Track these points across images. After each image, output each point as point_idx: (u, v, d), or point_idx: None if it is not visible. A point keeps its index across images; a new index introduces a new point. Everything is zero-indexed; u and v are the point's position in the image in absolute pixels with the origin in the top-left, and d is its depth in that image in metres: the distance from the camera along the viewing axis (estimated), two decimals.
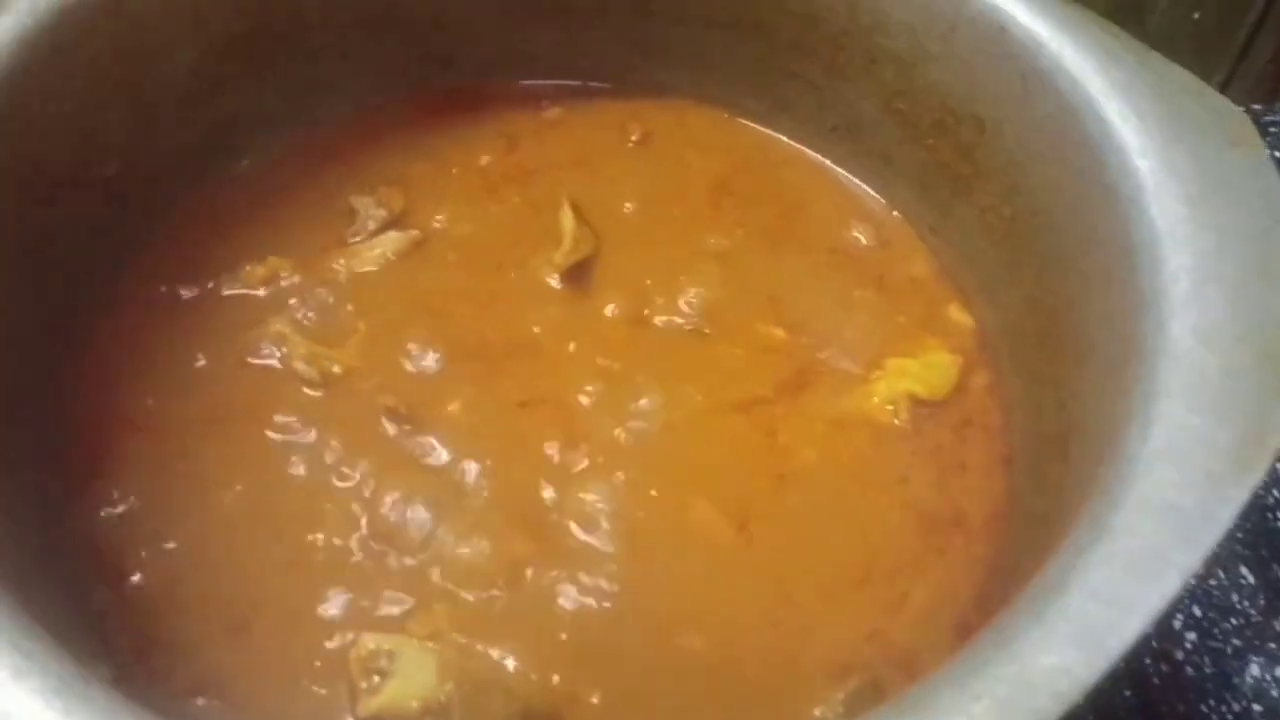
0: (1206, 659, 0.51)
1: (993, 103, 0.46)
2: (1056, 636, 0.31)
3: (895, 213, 0.54)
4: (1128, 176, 0.40)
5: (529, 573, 0.43)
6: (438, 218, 0.53)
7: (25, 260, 0.43)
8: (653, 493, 0.45)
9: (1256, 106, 0.68)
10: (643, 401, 0.48)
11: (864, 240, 0.54)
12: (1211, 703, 0.49)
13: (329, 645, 0.41)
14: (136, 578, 0.43)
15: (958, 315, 0.52)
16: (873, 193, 0.55)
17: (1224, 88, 0.91)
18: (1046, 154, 0.44)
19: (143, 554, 0.43)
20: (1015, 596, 0.37)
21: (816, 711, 0.41)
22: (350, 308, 0.50)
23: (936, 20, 0.47)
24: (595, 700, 0.41)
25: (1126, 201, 0.40)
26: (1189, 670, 0.50)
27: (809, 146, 0.56)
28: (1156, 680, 0.50)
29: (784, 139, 0.57)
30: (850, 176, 0.56)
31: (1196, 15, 0.89)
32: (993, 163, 0.48)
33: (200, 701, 0.39)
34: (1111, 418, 0.37)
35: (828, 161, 0.56)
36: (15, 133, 0.41)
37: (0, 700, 0.28)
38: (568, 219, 0.52)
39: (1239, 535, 0.54)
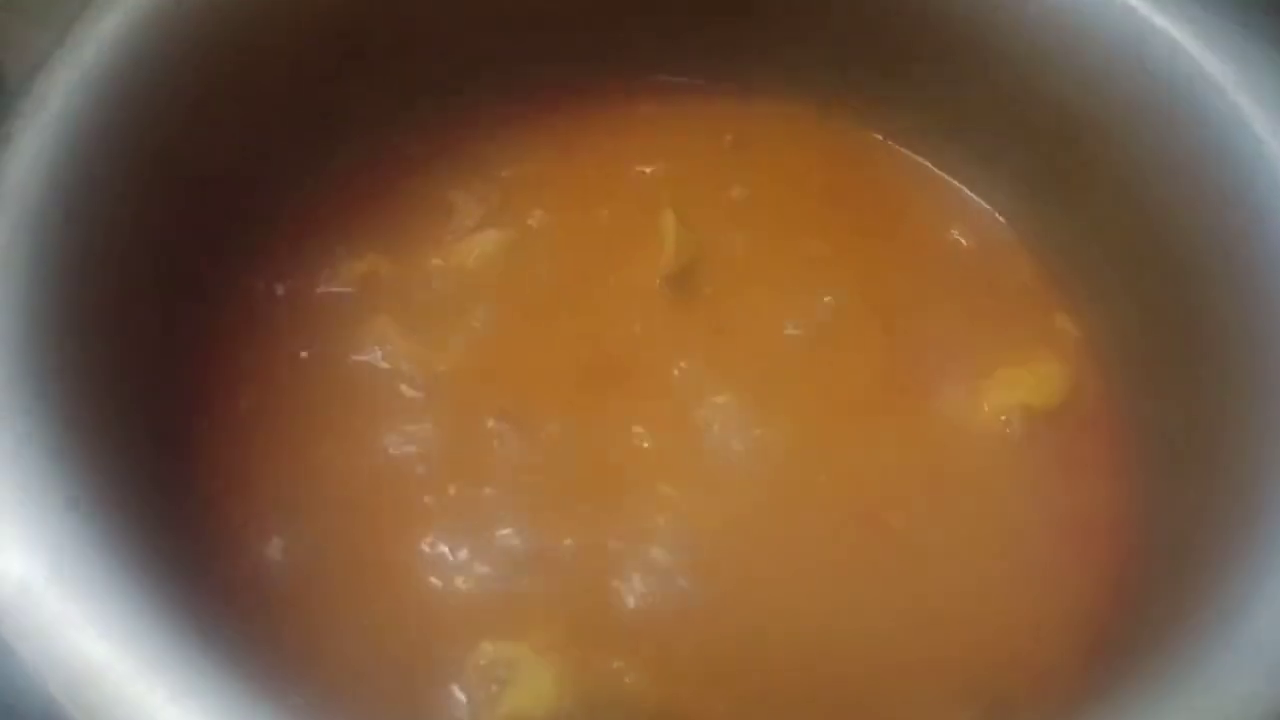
0: None
1: (1121, 110, 0.45)
2: (1245, 663, 0.30)
3: (1000, 218, 0.53)
4: (1270, 186, 0.39)
5: (648, 583, 0.42)
6: (535, 216, 0.52)
7: (133, 257, 0.41)
8: (770, 504, 0.44)
9: None
10: (751, 409, 0.47)
11: (966, 245, 0.53)
12: None
13: (447, 654, 0.40)
14: (243, 581, 0.42)
15: (1065, 324, 0.51)
16: (976, 197, 0.54)
17: None
18: (1181, 166, 0.43)
19: (249, 555, 0.42)
20: (1159, 618, 0.37)
21: None
22: (451, 306, 0.49)
23: (1064, 23, 0.46)
24: (719, 711, 0.40)
25: (1267, 212, 0.39)
26: None
27: (909, 148, 0.55)
28: None
29: (883, 140, 0.56)
30: (952, 180, 0.54)
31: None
32: (1114, 171, 0.46)
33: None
34: (1263, 437, 0.36)
35: (929, 164, 0.55)
36: (128, 131, 0.40)
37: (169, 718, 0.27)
38: (669, 223, 0.50)
39: None
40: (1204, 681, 0.29)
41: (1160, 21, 0.43)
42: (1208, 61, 0.42)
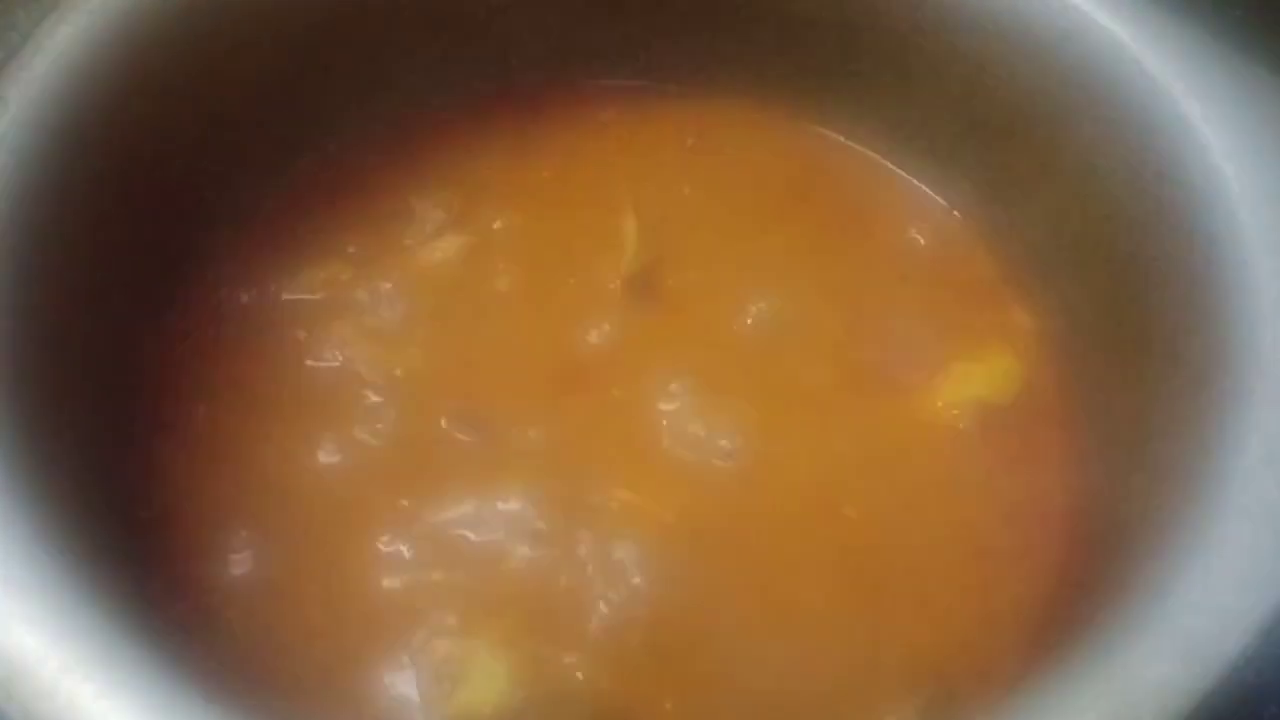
0: None
1: (1068, 105, 0.45)
2: (1161, 649, 0.30)
3: (956, 213, 0.54)
4: (1212, 181, 0.40)
5: (600, 577, 0.43)
6: (496, 221, 0.52)
7: (91, 268, 0.42)
8: (727, 499, 0.45)
9: None
10: (708, 408, 0.47)
11: (923, 241, 0.53)
12: None
13: (401, 651, 0.41)
14: (200, 583, 0.42)
15: (1021, 318, 0.51)
16: (933, 194, 0.54)
17: None
18: (1125, 157, 0.43)
19: (208, 558, 0.43)
20: (1096, 606, 0.37)
21: (889, 718, 0.41)
22: (411, 312, 0.49)
23: (1010, 21, 0.46)
24: (668, 706, 0.41)
25: (1211, 206, 0.39)
26: None
27: (869, 148, 0.56)
28: None
29: (843, 140, 0.56)
30: (910, 178, 0.55)
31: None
32: (1064, 165, 0.47)
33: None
34: (1202, 426, 0.37)
35: (888, 163, 0.55)
36: (85, 142, 0.41)
37: (98, 713, 0.28)
38: (630, 225, 0.51)
39: None
40: (1120, 666, 0.30)
41: (1102, 19, 0.44)
42: (1147, 58, 0.42)
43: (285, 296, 0.49)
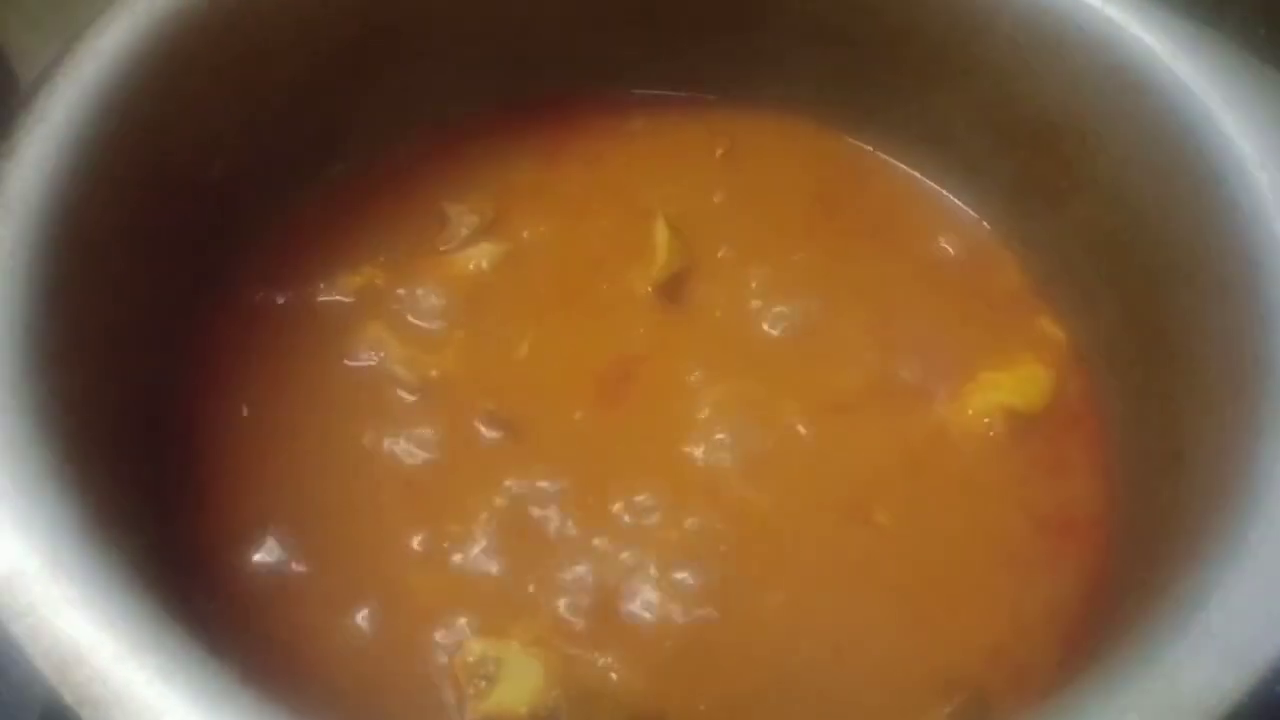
0: None
1: (1099, 116, 0.46)
2: (1202, 652, 0.31)
3: (985, 224, 0.54)
4: (1249, 190, 0.40)
5: (634, 580, 0.43)
6: (528, 227, 0.53)
7: (134, 265, 0.43)
8: (761, 503, 0.45)
9: None
10: (740, 411, 0.48)
11: (953, 252, 0.54)
12: None
13: (435, 650, 0.41)
14: (239, 578, 0.43)
15: (1049, 328, 0.51)
16: (961, 204, 0.55)
17: None
18: (1157, 167, 0.44)
19: (240, 556, 0.43)
20: (1129, 613, 0.37)
21: None
22: (445, 316, 0.50)
23: (1041, 33, 0.47)
24: (702, 708, 0.41)
25: (1247, 215, 0.40)
26: None
27: (897, 158, 0.56)
28: None
29: (871, 150, 0.57)
30: (938, 188, 0.55)
31: (1262, 32, 0.88)
32: (1094, 175, 0.47)
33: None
34: (1238, 435, 0.37)
35: (916, 173, 0.56)
36: (132, 138, 0.41)
37: (149, 698, 0.28)
38: (662, 232, 0.52)
39: None
40: (1160, 670, 0.30)
41: (1135, 30, 0.44)
42: (1180, 68, 0.43)
43: (321, 299, 0.50)
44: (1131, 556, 0.42)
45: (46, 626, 0.29)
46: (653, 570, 0.43)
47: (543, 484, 0.45)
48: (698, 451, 0.47)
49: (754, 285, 0.52)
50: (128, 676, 0.29)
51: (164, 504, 0.42)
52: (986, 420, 0.48)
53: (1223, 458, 0.37)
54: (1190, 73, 0.42)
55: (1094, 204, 0.48)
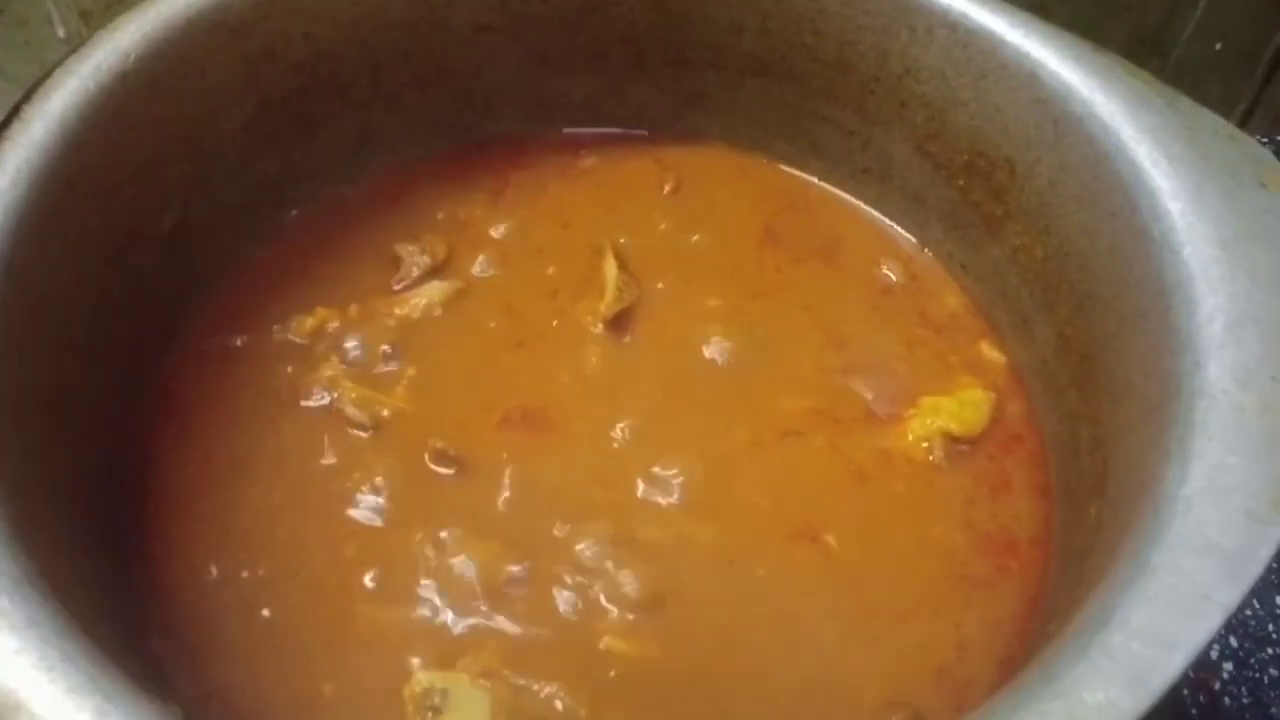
0: (1244, 689, 0.51)
1: (1024, 146, 0.47)
2: (1101, 673, 0.31)
3: (927, 251, 0.56)
4: (1160, 219, 0.41)
5: (580, 610, 0.44)
6: (480, 266, 0.54)
7: (85, 320, 0.44)
8: (705, 524, 0.46)
9: None
10: (688, 439, 0.49)
11: (895, 279, 0.55)
12: None
13: (385, 683, 0.42)
14: (192, 621, 0.44)
15: (990, 352, 0.53)
16: (904, 232, 0.56)
17: (1247, 117, 0.92)
18: (1079, 196, 0.45)
19: (196, 595, 0.44)
20: (1056, 631, 0.38)
21: None
22: (397, 355, 0.51)
23: (967, 67, 0.48)
24: None
25: (1159, 244, 0.41)
26: (1226, 700, 0.51)
27: (841, 189, 0.58)
28: (1194, 711, 0.51)
29: (817, 181, 0.58)
30: (882, 217, 0.57)
31: (1219, 45, 0.90)
32: (1024, 204, 0.49)
33: None
34: (1150, 456, 0.38)
35: (860, 203, 0.57)
36: (80, 198, 0.43)
37: None
38: (611, 267, 0.53)
39: (1274, 565, 0.54)
40: (1059, 690, 0.31)
41: (1054, 65, 0.46)
42: (1096, 100, 0.44)
43: (276, 339, 0.51)
44: (1067, 578, 0.43)
45: None
46: (599, 600, 0.44)
47: (491, 519, 0.47)
48: (646, 482, 0.48)
49: (701, 316, 0.53)
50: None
51: (118, 548, 0.43)
52: (926, 445, 0.49)
53: (1135, 479, 0.38)
54: (1105, 105, 0.44)
55: (1025, 232, 0.49)
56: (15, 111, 0.41)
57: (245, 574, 0.45)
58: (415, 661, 0.43)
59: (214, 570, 0.45)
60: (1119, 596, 0.33)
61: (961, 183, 0.52)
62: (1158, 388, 0.40)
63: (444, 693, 0.42)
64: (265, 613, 0.44)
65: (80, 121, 0.42)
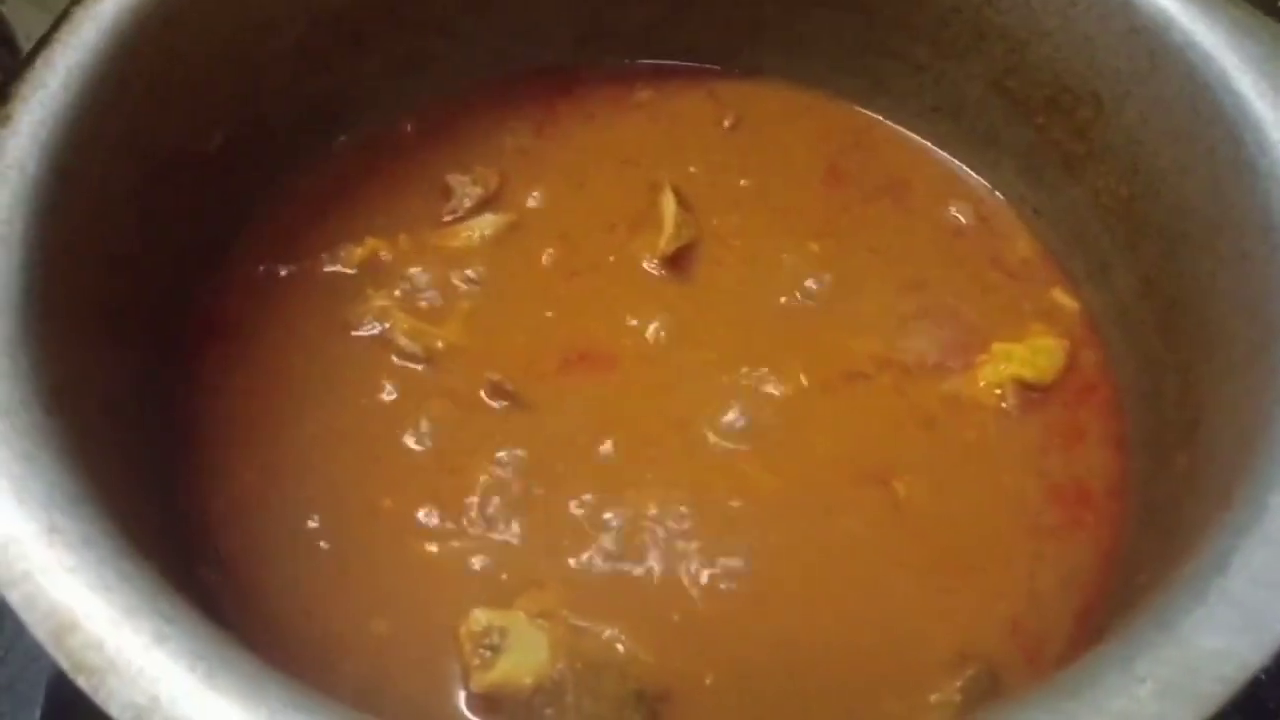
0: None
1: (1114, 80, 0.45)
2: (1219, 619, 0.30)
3: (998, 194, 0.53)
4: (1266, 152, 0.39)
5: (643, 552, 0.42)
6: (533, 199, 0.52)
7: (133, 237, 0.42)
8: (770, 469, 0.44)
9: None
10: (749, 382, 0.47)
11: (964, 221, 0.53)
12: None
13: (440, 620, 0.41)
14: (241, 551, 0.42)
15: (1062, 299, 0.51)
16: (973, 173, 0.54)
17: None
18: (1173, 131, 0.43)
19: (245, 525, 0.43)
20: (1143, 584, 0.37)
21: (933, 698, 0.40)
22: (449, 287, 0.49)
23: None
24: (709, 681, 0.40)
25: (1265, 178, 0.39)
26: None
27: (907, 127, 0.55)
28: None
29: (881, 119, 0.56)
30: (950, 157, 0.55)
31: None
32: (1110, 141, 0.46)
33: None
34: (1255, 401, 0.36)
35: (927, 142, 0.55)
36: (130, 106, 0.41)
37: (145, 664, 0.28)
38: (669, 204, 0.51)
39: None
40: (1176, 637, 0.29)
41: None
42: (1198, 30, 0.42)
43: (325, 270, 0.49)
44: (1147, 529, 0.42)
45: (42, 594, 0.29)
46: (663, 543, 0.43)
47: (549, 456, 0.45)
48: (709, 423, 0.46)
49: (762, 257, 0.51)
50: (122, 642, 0.28)
51: (164, 473, 0.42)
52: (998, 391, 0.47)
53: (1242, 424, 0.36)
54: (1207, 35, 0.41)
55: (1109, 171, 0.47)
56: (65, 14, 0.39)
57: (294, 506, 0.43)
58: (471, 600, 0.41)
59: (263, 501, 0.43)
60: (1235, 541, 0.31)
61: (1040, 120, 0.49)
62: (1261, 331, 0.38)
63: (502, 631, 0.40)
64: (317, 545, 0.42)
65: (132, 25, 0.40)
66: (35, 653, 0.47)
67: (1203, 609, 0.30)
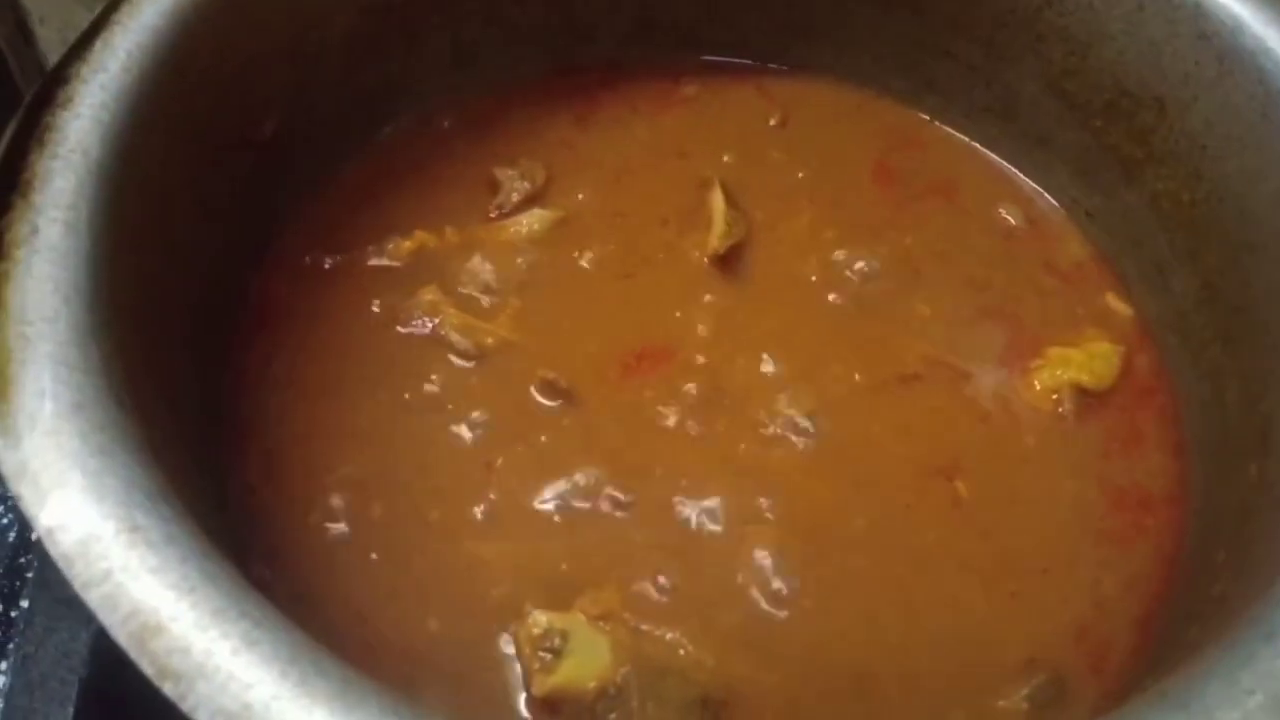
0: None
1: (1179, 84, 0.45)
2: None
3: (1048, 196, 0.53)
4: None
5: (704, 555, 0.42)
6: (581, 194, 0.52)
7: (188, 223, 0.41)
8: (827, 472, 0.44)
9: None
10: (801, 383, 0.46)
11: (1014, 223, 0.53)
12: None
13: (499, 622, 0.40)
14: (292, 548, 0.41)
15: (1116, 304, 0.50)
16: (1023, 176, 0.54)
17: None
18: (1241, 138, 0.43)
19: (295, 521, 0.42)
20: (1221, 592, 0.36)
21: (1000, 704, 0.40)
22: (499, 283, 0.48)
23: None
24: (773, 685, 0.40)
25: None
26: None
27: (956, 128, 0.55)
28: None
29: (929, 120, 0.55)
30: (999, 159, 0.54)
31: None
32: (1172, 146, 0.46)
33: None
34: None
35: (976, 144, 0.55)
36: (187, 91, 0.40)
37: (235, 669, 0.27)
38: (719, 202, 0.50)
39: None
40: (1264, 670, 0.29)
41: None
42: (1270, 35, 0.42)
43: (372, 263, 0.48)
44: (1214, 537, 0.41)
45: (124, 594, 0.28)
46: (724, 546, 0.42)
47: (603, 456, 0.44)
48: (766, 424, 0.45)
49: (811, 256, 0.51)
50: (210, 646, 0.27)
51: (218, 469, 0.41)
52: (1055, 396, 0.47)
53: None
54: None
55: (1171, 176, 0.47)
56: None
57: (345, 503, 0.42)
58: (528, 601, 0.40)
59: (313, 498, 0.42)
60: None
61: (1099, 124, 0.49)
62: None
63: (563, 634, 0.40)
64: (368, 543, 0.41)
65: (191, 9, 0.39)
66: (67, 648, 0.46)
67: None
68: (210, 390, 0.43)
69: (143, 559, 0.28)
